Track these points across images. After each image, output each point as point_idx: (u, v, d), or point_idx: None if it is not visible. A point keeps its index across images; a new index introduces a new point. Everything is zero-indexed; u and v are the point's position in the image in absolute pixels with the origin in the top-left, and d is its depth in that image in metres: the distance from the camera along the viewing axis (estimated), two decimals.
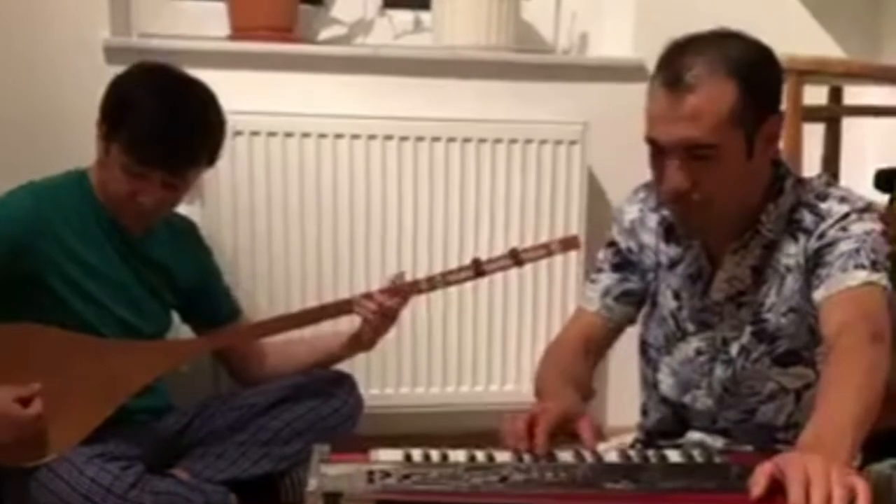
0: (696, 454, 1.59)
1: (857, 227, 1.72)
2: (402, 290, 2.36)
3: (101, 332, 2.19)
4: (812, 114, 2.51)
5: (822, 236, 1.73)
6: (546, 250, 2.36)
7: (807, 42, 2.63)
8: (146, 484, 2.08)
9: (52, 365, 2.09)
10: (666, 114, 1.69)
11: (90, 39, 2.65)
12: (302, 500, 1.39)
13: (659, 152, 1.72)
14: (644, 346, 2.00)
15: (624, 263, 1.97)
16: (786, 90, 2.35)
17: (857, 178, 2.82)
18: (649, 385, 2.00)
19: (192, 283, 2.39)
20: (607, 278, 1.98)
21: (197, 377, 2.55)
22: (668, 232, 1.91)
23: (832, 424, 1.44)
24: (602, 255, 2.02)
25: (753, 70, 1.70)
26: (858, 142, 2.94)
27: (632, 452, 1.60)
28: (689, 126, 1.66)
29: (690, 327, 1.89)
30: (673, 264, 1.90)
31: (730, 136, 1.67)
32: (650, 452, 1.59)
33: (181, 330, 2.47)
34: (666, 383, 1.94)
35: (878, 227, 1.74)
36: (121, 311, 2.23)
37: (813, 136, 2.61)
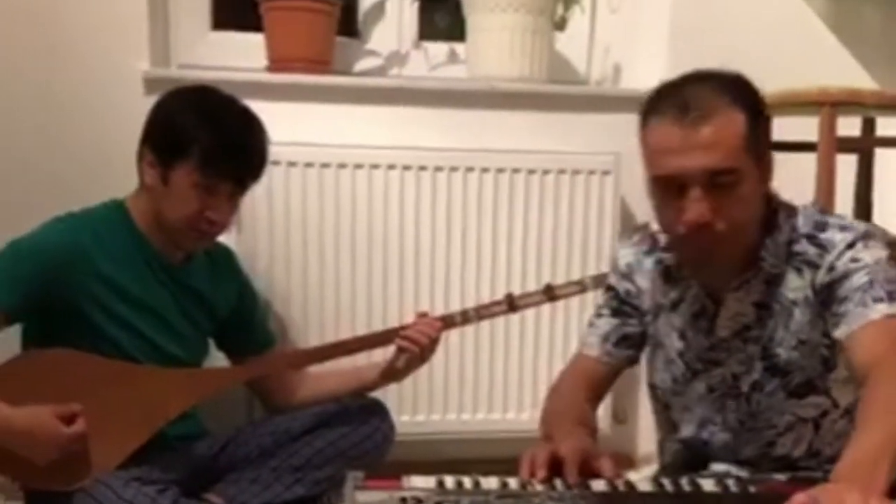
0: (731, 483, 1.59)
1: (867, 256, 1.70)
2: (437, 324, 2.38)
3: (138, 359, 2.21)
4: (845, 145, 2.50)
5: (831, 269, 1.72)
6: (579, 287, 2.38)
7: (839, 73, 2.62)
8: None
9: (91, 390, 2.11)
10: (681, 146, 1.67)
11: (129, 70, 2.69)
12: None
13: (673, 188, 1.70)
14: (653, 389, 2.00)
15: (622, 308, 1.98)
16: (819, 122, 2.37)
17: (890, 210, 2.81)
18: (665, 426, 2.00)
19: (229, 311, 2.41)
20: (606, 324, 1.99)
21: (231, 403, 2.57)
22: (666, 274, 1.91)
23: (868, 455, 1.43)
24: (601, 299, 2.03)
25: (755, 103, 1.71)
26: (891, 173, 2.93)
27: (665, 480, 1.60)
28: (707, 154, 1.65)
29: (699, 366, 1.89)
30: (675, 305, 1.90)
31: (746, 161, 1.67)
32: (683, 480, 1.59)
33: (216, 356, 2.49)
34: (682, 422, 1.94)
35: (884, 253, 1.72)
36: (159, 339, 2.25)
37: (846, 167, 2.60)
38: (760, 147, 1.70)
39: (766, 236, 1.77)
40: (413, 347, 2.36)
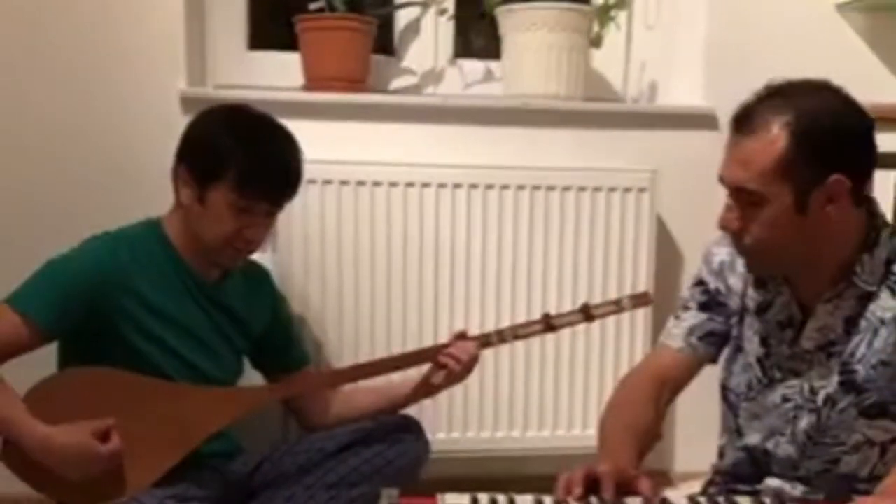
0: (769, 502, 1.57)
1: None
2: (473, 343, 2.37)
3: (173, 377, 2.22)
4: (884, 161, 2.48)
5: None
6: (617, 306, 2.36)
7: (877, 89, 2.61)
8: None
9: (127, 408, 2.12)
10: (728, 154, 1.71)
11: (167, 90, 2.71)
12: None
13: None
14: (725, 392, 1.97)
15: (711, 303, 1.96)
16: None
17: None
18: (730, 430, 1.97)
19: (264, 330, 2.42)
20: (693, 317, 1.97)
21: (266, 422, 2.58)
22: (759, 277, 1.89)
23: None
24: (689, 293, 2.01)
25: (817, 126, 1.65)
26: None
27: (702, 499, 1.58)
28: (737, 169, 1.68)
29: (777, 374, 1.86)
30: (761, 309, 1.88)
31: (775, 188, 1.65)
32: (721, 499, 1.58)
33: (251, 375, 2.49)
34: (748, 429, 1.92)
35: None
36: (194, 357, 2.26)
37: (885, 183, 2.58)
38: (811, 176, 1.65)
39: (863, 252, 1.76)
40: (455, 365, 2.34)
